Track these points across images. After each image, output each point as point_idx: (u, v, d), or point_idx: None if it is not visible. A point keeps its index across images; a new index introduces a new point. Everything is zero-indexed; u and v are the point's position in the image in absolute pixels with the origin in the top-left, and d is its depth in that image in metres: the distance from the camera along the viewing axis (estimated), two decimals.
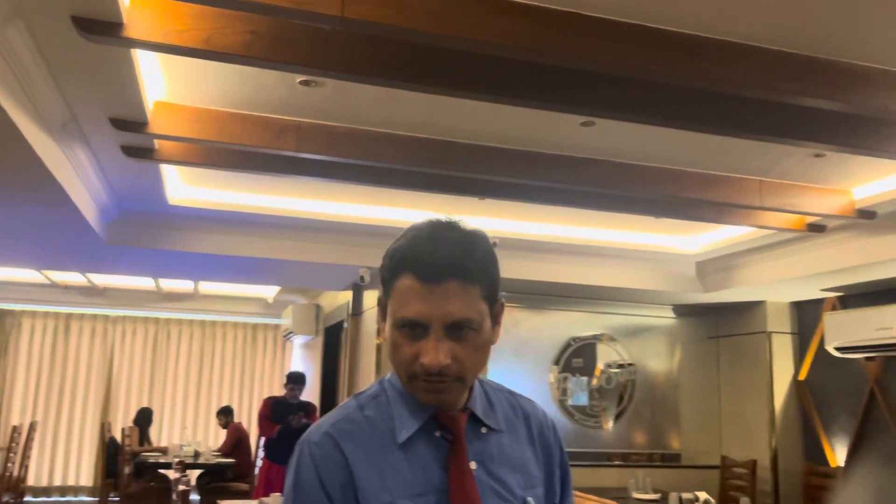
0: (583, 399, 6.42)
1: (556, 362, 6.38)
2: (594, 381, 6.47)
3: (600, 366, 6.53)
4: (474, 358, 1.08)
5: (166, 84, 3.09)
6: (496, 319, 1.12)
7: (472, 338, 1.07)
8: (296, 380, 6.57)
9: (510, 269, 5.29)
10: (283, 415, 6.28)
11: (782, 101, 2.78)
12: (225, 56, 2.46)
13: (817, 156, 3.66)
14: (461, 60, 2.62)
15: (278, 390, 8.67)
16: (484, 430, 1.14)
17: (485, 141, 3.64)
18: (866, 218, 4.22)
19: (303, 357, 9.40)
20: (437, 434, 1.11)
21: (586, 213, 4.72)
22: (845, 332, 5.28)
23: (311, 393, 7.55)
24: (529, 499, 1.12)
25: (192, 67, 2.88)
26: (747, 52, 2.56)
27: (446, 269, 1.05)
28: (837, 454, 5.67)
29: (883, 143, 3.14)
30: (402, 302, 1.06)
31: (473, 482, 1.08)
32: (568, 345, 6.43)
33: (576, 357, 6.45)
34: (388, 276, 1.10)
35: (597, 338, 6.54)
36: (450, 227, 1.10)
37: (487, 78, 2.67)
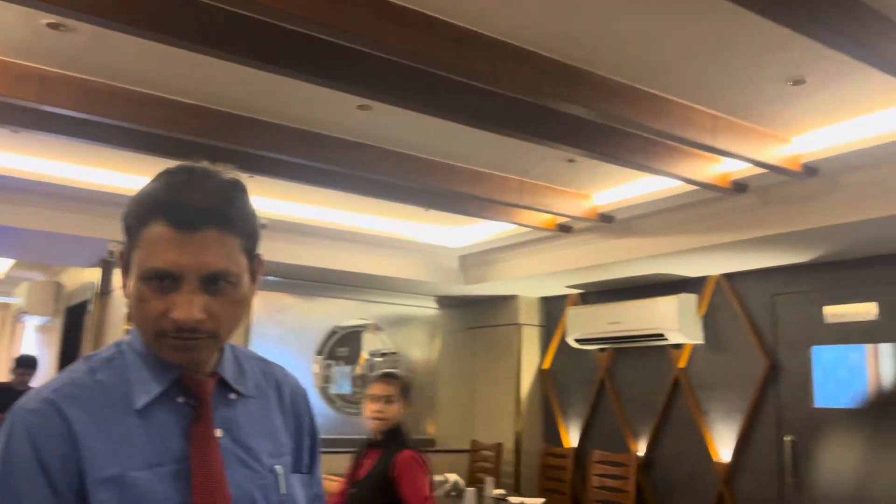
0: (345, 387, 6.45)
1: (320, 352, 6.33)
2: (358, 370, 6.53)
3: (365, 354, 6.60)
4: (230, 313, 1.01)
5: None
6: (254, 276, 1.07)
7: (228, 292, 1.00)
8: (26, 364, 5.95)
9: (277, 252, 5.18)
10: (8, 403, 5.54)
11: (543, 103, 2.99)
12: None
13: (570, 161, 3.99)
14: (232, 21, 2.49)
15: (5, 376, 7.73)
16: (233, 395, 1.08)
17: (258, 115, 3.50)
18: (606, 222, 4.70)
19: (38, 340, 8.50)
20: (181, 400, 1.03)
21: (357, 198, 4.74)
22: (583, 325, 5.86)
23: (44, 380, 6.80)
24: (277, 467, 1.08)
25: None
26: (516, 52, 2.71)
27: (205, 216, 0.97)
28: (571, 436, 6.27)
29: (622, 152, 3.51)
30: (151, 251, 0.97)
31: (217, 451, 1.02)
32: (333, 332, 6.41)
33: (341, 346, 6.46)
34: (135, 223, 0.99)
35: (362, 326, 6.60)
36: (208, 174, 1.01)
37: (260, 44, 2.56)
